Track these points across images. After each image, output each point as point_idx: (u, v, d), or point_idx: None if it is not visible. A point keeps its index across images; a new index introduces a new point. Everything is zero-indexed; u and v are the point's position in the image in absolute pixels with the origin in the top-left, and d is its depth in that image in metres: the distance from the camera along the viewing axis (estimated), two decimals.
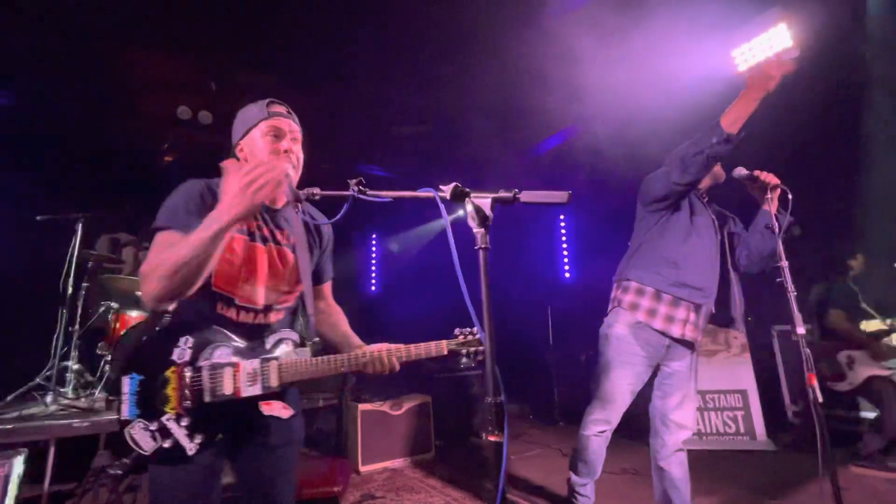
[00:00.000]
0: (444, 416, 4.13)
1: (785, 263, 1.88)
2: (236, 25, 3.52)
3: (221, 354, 1.14)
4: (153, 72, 3.94)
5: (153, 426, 1.06)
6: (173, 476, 1.10)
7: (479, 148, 5.09)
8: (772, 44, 3.14)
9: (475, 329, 1.25)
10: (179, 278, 1.00)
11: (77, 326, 3.49)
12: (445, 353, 1.24)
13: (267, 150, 1.24)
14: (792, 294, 1.84)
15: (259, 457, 1.22)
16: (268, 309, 1.26)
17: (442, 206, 0.88)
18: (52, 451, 2.64)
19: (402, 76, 4.01)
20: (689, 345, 2.21)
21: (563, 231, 6.64)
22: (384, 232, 7.45)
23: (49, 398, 3.01)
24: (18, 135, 4.12)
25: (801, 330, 1.80)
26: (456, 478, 3.32)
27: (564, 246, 6.60)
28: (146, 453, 1.05)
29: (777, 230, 1.93)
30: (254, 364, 1.14)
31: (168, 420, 1.07)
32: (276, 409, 1.13)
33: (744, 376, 3.90)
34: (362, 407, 3.58)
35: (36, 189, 4.34)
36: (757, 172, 2.07)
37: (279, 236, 1.29)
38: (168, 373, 1.09)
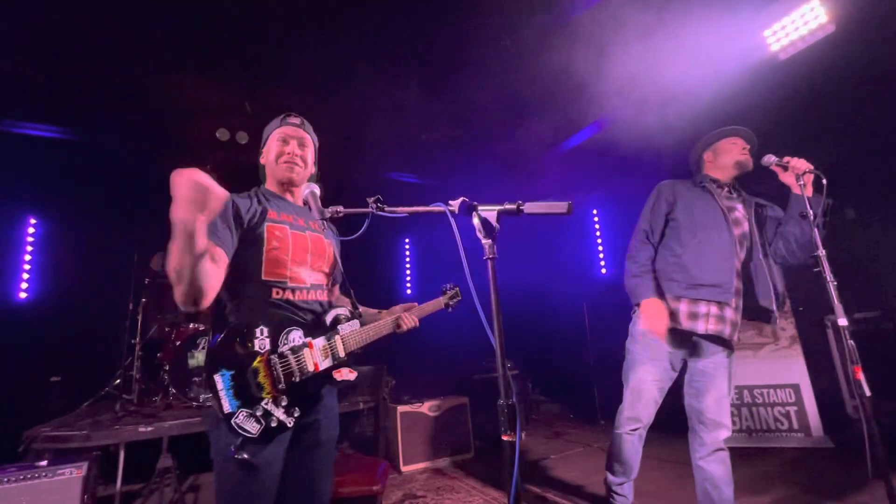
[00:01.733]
0: (482, 417, 4.17)
1: (822, 252, 1.80)
2: (266, 48, 3.71)
3: (296, 337, 1.29)
4: (191, 97, 4.22)
5: (256, 412, 1.18)
6: (273, 451, 1.22)
7: (509, 146, 5.11)
8: (806, 20, 2.98)
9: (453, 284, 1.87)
10: (188, 284, 1.05)
11: (138, 339, 3.79)
12: (442, 306, 1.80)
13: (274, 152, 1.49)
14: (832, 284, 1.76)
15: (307, 449, 1.34)
16: (314, 287, 1.44)
17: (452, 220, 0.93)
18: (121, 454, 2.89)
19: (429, 81, 4.09)
20: (718, 340, 2.16)
21: (597, 226, 6.53)
22: (417, 237, 7.58)
23: (117, 405, 3.29)
24: (78, 165, 4.51)
25: (843, 321, 1.73)
26: (495, 478, 3.35)
27: (599, 241, 6.48)
28: (254, 435, 1.16)
29: (812, 216, 1.85)
30: (321, 341, 1.32)
31: (267, 404, 1.20)
32: (345, 374, 1.31)
33: (795, 370, 3.70)
34: (401, 409, 3.68)
35: (97, 214, 4.75)
36: (787, 159, 1.99)
37: (313, 224, 1.50)
38: (256, 363, 1.20)
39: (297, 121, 1.55)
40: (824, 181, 1.88)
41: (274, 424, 1.19)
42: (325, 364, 1.31)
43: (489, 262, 0.87)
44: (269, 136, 1.54)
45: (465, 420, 3.94)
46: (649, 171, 3.69)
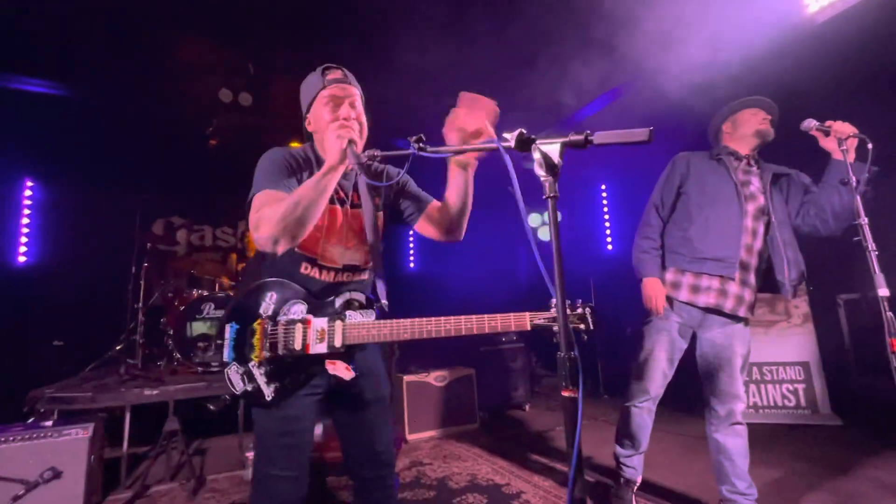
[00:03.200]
0: (487, 388, 4.17)
1: (864, 220, 1.72)
2: (269, 4, 3.52)
3: (297, 311, 1.24)
4: (193, 56, 4.03)
5: (242, 370, 1.22)
6: (262, 416, 1.25)
7: (519, 117, 4.95)
8: None
9: (578, 302, 1.17)
10: (295, 218, 1.10)
11: (140, 304, 3.73)
12: (528, 327, 1.09)
13: (329, 118, 1.28)
14: (873, 253, 1.69)
15: (355, 412, 1.33)
16: (347, 269, 1.34)
17: (507, 157, 0.84)
18: (127, 416, 2.86)
19: (439, 46, 3.91)
20: (726, 315, 2.11)
21: (605, 202, 6.42)
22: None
23: (122, 369, 3.25)
24: (76, 126, 4.34)
25: (883, 292, 1.66)
26: (500, 447, 3.36)
27: (607, 217, 6.39)
28: (237, 392, 1.21)
29: (854, 182, 1.76)
30: (322, 323, 1.22)
31: (253, 366, 1.21)
32: (339, 370, 1.18)
33: (805, 348, 3.68)
34: (407, 378, 3.66)
35: (97, 177, 4.62)
36: (829, 123, 1.89)
37: (355, 198, 1.36)
38: (255, 324, 1.23)
39: (339, 74, 1.33)
40: (869, 145, 1.77)
41: (251, 388, 1.20)
42: (317, 348, 1.20)
43: (550, 201, 0.79)
44: (314, 99, 1.33)
45: (471, 391, 3.93)
46: (658, 147, 3.56)
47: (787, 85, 2.21)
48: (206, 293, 3.77)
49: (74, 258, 4.54)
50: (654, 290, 2.17)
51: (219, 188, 4.92)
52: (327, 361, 1.19)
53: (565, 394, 0.73)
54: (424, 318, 1.17)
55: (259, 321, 1.23)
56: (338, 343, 1.19)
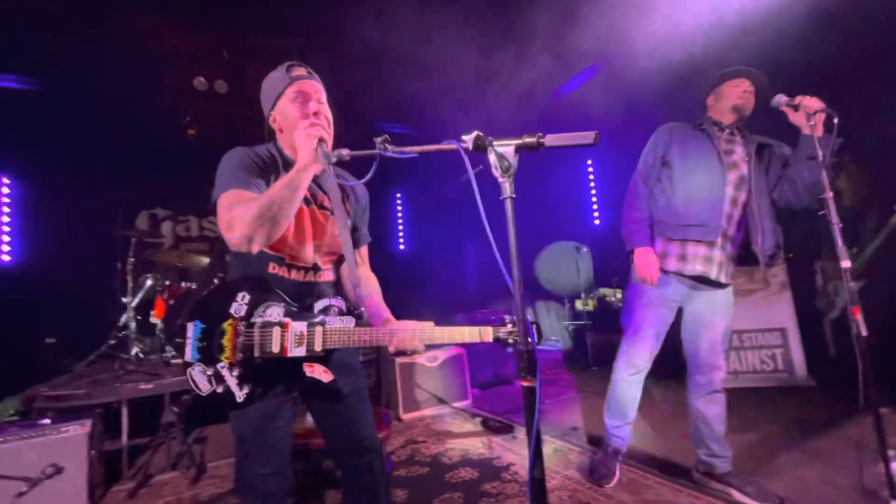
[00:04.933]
0: (478, 366, 4.28)
1: (829, 195, 1.77)
2: None
3: (273, 313, 1.21)
4: (166, 43, 3.93)
5: (209, 371, 1.18)
6: (237, 417, 1.27)
7: (498, 97, 4.89)
8: None
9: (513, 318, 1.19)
10: (270, 217, 1.10)
11: (129, 299, 3.73)
12: (490, 339, 1.17)
13: (298, 115, 1.27)
14: (837, 226, 1.75)
15: (333, 405, 1.35)
16: (316, 268, 1.35)
17: (465, 158, 0.86)
18: (124, 410, 2.91)
19: (411, 27, 3.83)
20: (712, 283, 2.18)
21: (591, 176, 6.45)
22: (409, 190, 7.43)
23: (116, 364, 3.28)
24: (51, 121, 4.24)
25: (845, 263, 1.73)
26: (492, 423, 3.47)
27: (593, 191, 6.43)
28: (203, 394, 1.18)
29: (821, 157, 1.81)
30: (301, 326, 1.20)
31: (222, 368, 1.18)
32: (318, 373, 1.19)
33: (783, 314, 3.81)
34: (399, 361, 3.74)
35: (76, 172, 4.53)
36: (798, 98, 1.91)
37: (320, 197, 1.36)
38: (225, 325, 1.19)
39: (303, 71, 1.32)
40: (835, 120, 1.81)
41: (220, 390, 1.17)
42: (296, 351, 1.19)
43: (507, 202, 0.82)
44: (280, 95, 1.30)
45: (463, 370, 4.03)
46: (647, 119, 3.57)
47: (764, 60, 2.20)
48: (193, 286, 3.79)
49: (59, 255, 4.50)
50: (646, 258, 2.21)
51: (201, 178, 4.84)
52: (305, 365, 1.19)
53: (524, 384, 0.78)
54: (400, 325, 1.22)
55: (230, 321, 1.19)
56: (318, 347, 1.18)
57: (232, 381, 1.18)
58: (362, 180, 1.12)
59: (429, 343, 1.21)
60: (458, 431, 3.34)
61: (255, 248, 1.14)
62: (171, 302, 3.66)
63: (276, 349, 1.18)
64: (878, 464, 1.71)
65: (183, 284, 3.80)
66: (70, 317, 4.16)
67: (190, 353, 1.18)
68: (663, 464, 2.52)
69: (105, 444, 2.88)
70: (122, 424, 2.89)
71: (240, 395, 1.18)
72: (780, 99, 1.96)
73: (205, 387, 1.17)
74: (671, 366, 2.65)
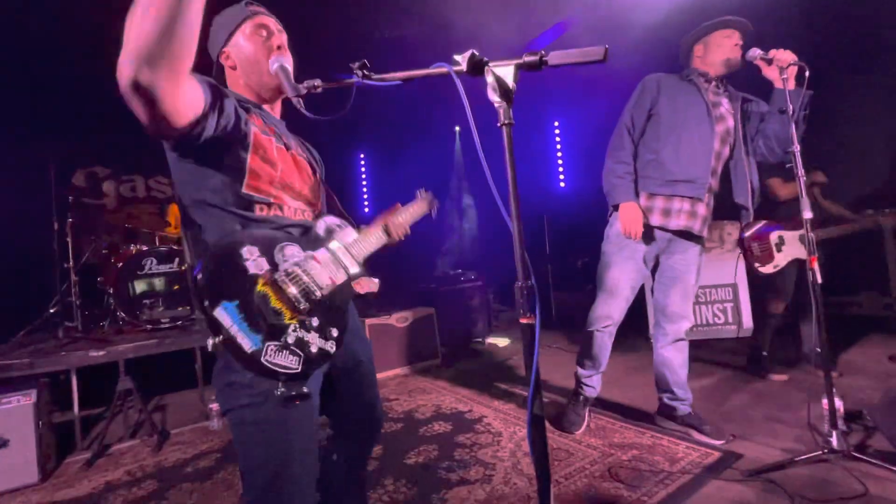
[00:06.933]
0: (448, 326, 4.31)
1: (797, 148, 1.82)
2: None
3: (293, 252, 1.02)
4: None
5: (289, 340, 0.95)
6: (315, 379, 1.06)
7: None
8: None
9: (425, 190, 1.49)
10: (146, 16, 0.70)
11: (71, 263, 3.44)
12: (427, 211, 1.45)
13: (260, 49, 1.12)
14: (801, 179, 1.81)
15: (355, 369, 1.25)
16: (311, 204, 1.20)
17: (458, 82, 0.78)
18: (74, 379, 2.73)
19: None
20: (691, 237, 2.23)
21: (557, 139, 6.44)
22: (373, 151, 7.18)
23: (60, 332, 3.05)
24: None
25: (807, 214, 1.80)
26: (462, 379, 3.54)
27: (559, 154, 6.44)
28: (297, 370, 0.94)
29: (791, 111, 1.84)
30: (323, 252, 1.07)
31: (295, 331, 0.96)
32: (366, 286, 1.11)
33: (734, 271, 4.02)
34: (370, 321, 3.70)
35: (3, 126, 4.03)
36: (772, 52, 1.92)
37: (293, 145, 1.22)
38: (260, 287, 0.94)
39: (262, 8, 1.19)
40: (807, 73, 1.84)
41: (314, 351, 0.97)
42: (340, 277, 1.07)
43: (504, 129, 0.75)
44: (235, 30, 1.14)
45: (432, 329, 4.05)
46: (613, 80, 3.53)
47: (736, 13, 2.17)
48: (145, 248, 3.53)
49: None
50: (631, 212, 2.17)
51: (146, 134, 4.45)
52: (354, 284, 1.10)
53: (523, 321, 0.75)
54: (382, 219, 1.28)
55: (262, 282, 0.94)
56: (351, 266, 1.09)
57: (314, 338, 0.98)
58: (339, 114, 1.00)
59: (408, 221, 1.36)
60: (430, 388, 3.38)
61: (156, 79, 0.74)
62: (120, 265, 3.40)
63: (328, 282, 1.03)
64: (822, 401, 1.86)
65: (132, 248, 3.53)
66: (4, 283, 3.81)
67: (249, 342, 0.89)
68: (626, 410, 2.65)
69: (55, 415, 2.71)
70: (73, 394, 2.71)
71: (331, 346, 1.01)
72: (755, 52, 1.96)
73: (294, 361, 0.93)
74: (631, 319, 2.72)
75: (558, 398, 2.89)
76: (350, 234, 1.15)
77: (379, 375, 3.64)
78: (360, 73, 0.89)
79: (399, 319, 3.84)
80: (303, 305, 0.96)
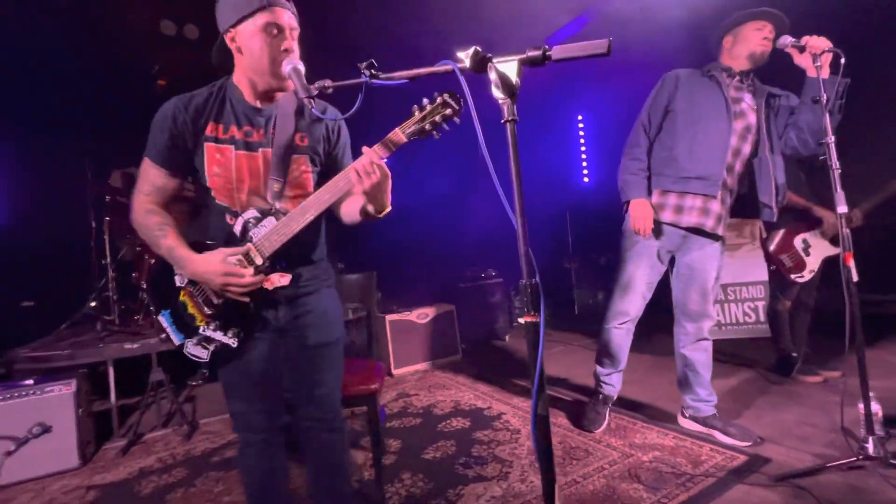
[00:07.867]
0: (468, 322, 4.31)
1: (831, 139, 1.73)
2: None
3: None
4: None
5: (196, 340, 1.23)
6: (226, 371, 1.29)
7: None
8: None
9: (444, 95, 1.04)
10: (146, 236, 1.26)
11: (108, 260, 3.60)
12: (425, 131, 1.05)
13: (266, 54, 1.12)
14: (836, 171, 1.72)
15: (298, 353, 1.32)
16: (275, 212, 1.23)
17: (462, 80, 0.78)
18: (110, 370, 2.87)
19: None
20: (707, 235, 2.17)
21: (581, 133, 6.32)
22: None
23: (98, 325, 3.21)
24: (9, 73, 3.92)
25: (842, 209, 1.71)
26: (482, 375, 3.53)
27: (583, 148, 6.32)
28: (206, 360, 1.23)
29: (825, 100, 1.75)
30: (234, 255, 1.17)
31: (203, 331, 1.22)
32: (276, 281, 1.18)
33: (766, 268, 3.86)
34: (390, 317, 3.74)
35: (39, 128, 4.26)
36: (805, 39, 1.83)
37: (256, 136, 1.23)
38: (181, 298, 1.24)
39: None
40: (842, 60, 1.74)
41: (216, 347, 1.22)
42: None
43: (508, 126, 0.75)
44: (248, 16, 1.11)
45: (453, 325, 4.06)
46: (636, 73, 3.42)
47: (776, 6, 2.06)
48: None
49: (27, 216, 4.30)
50: (641, 209, 2.17)
51: None
52: (264, 282, 1.17)
53: (527, 319, 0.74)
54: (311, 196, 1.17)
55: (182, 293, 1.24)
56: (259, 261, 1.16)
57: (218, 335, 1.21)
58: (347, 114, 1.01)
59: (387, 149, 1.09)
60: (450, 384, 3.39)
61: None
62: (153, 262, 3.54)
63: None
64: (857, 405, 1.77)
65: None
66: (46, 279, 4.03)
67: (175, 338, 1.25)
68: (649, 409, 2.59)
69: (94, 404, 2.85)
70: (110, 384, 2.85)
71: (231, 341, 1.21)
72: (786, 40, 1.87)
73: (203, 354, 1.23)
74: (654, 316, 2.66)
75: (580, 396, 2.86)
76: (266, 224, 1.18)
77: (400, 371, 3.69)
78: (367, 72, 0.90)
79: (419, 316, 3.87)
80: (207, 311, 1.21)
